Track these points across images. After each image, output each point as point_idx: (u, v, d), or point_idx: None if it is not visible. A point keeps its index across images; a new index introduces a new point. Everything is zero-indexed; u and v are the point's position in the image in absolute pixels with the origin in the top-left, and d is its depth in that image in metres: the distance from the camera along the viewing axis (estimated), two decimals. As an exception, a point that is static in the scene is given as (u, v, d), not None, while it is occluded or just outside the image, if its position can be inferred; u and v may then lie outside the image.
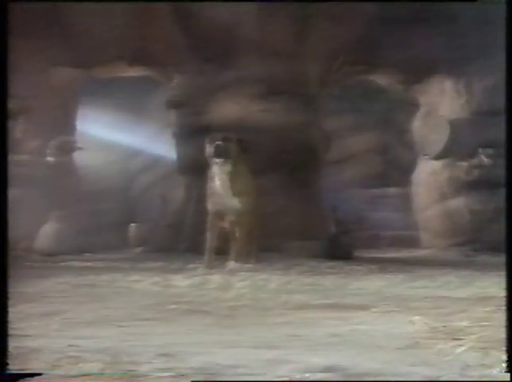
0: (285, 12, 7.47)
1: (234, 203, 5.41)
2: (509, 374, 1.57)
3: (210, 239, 5.48)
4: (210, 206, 5.53)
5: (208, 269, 5.02)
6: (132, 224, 10.51)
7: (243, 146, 5.47)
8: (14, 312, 2.24)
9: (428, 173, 8.74)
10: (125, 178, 11.78)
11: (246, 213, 5.49)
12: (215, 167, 5.39)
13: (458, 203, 8.37)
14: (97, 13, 7.68)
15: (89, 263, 6.10)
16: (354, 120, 11.31)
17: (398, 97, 9.50)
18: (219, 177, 5.39)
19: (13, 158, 6.77)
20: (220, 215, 5.53)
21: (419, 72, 8.49)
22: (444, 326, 2.28)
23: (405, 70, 8.50)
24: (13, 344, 1.85)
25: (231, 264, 5.30)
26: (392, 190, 10.74)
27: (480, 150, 8.14)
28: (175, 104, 8.16)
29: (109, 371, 1.62)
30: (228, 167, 5.35)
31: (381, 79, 9.02)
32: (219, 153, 5.29)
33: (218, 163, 5.34)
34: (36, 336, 2.14)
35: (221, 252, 5.54)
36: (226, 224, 5.63)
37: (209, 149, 5.38)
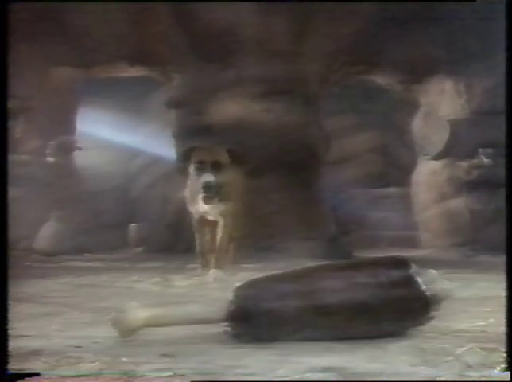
0: (285, 12, 7.46)
1: (218, 206, 5.04)
2: (509, 374, 1.57)
3: (199, 244, 5.26)
4: (193, 211, 5.19)
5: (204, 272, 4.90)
6: (132, 224, 10.50)
7: (235, 158, 4.99)
8: (14, 312, 2.24)
9: (428, 173, 8.73)
10: (125, 178, 11.76)
11: (228, 215, 5.16)
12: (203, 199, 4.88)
13: (458, 203, 8.37)
14: (97, 13, 7.67)
15: (89, 263, 6.10)
16: (354, 120, 11.29)
17: (398, 97, 9.49)
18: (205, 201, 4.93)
19: (13, 158, 6.77)
20: (205, 218, 5.19)
21: (419, 72, 8.48)
22: (444, 326, 2.28)
23: (405, 70, 8.50)
24: (13, 345, 1.85)
25: (213, 273, 4.89)
26: (392, 190, 10.72)
27: (480, 150, 8.13)
28: (175, 104, 8.15)
29: (108, 371, 1.62)
30: (220, 206, 4.97)
31: (381, 79, 9.01)
32: (209, 192, 4.82)
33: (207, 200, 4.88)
34: (36, 336, 2.14)
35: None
36: (211, 226, 5.35)
37: (194, 171, 4.87)
